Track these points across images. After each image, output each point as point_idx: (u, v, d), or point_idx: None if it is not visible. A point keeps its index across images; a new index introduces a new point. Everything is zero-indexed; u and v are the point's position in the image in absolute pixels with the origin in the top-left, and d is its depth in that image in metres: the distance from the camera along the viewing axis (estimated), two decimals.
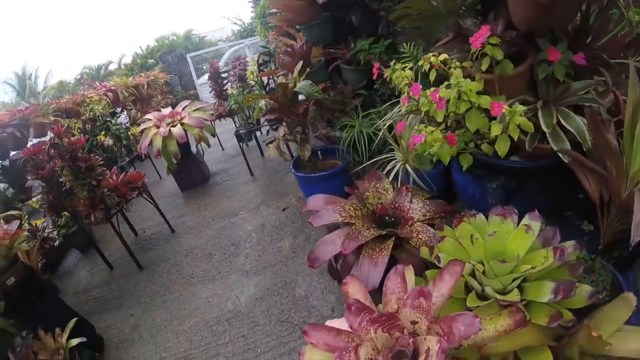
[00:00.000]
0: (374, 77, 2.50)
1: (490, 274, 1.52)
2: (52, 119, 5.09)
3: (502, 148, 1.83)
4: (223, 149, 6.94)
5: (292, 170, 3.57)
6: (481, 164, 2.14)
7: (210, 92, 6.48)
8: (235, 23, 12.19)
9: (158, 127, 4.89)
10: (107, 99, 6.95)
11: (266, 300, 2.88)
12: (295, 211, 3.93)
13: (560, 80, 1.89)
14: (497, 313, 1.42)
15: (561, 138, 1.76)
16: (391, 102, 2.91)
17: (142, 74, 9.84)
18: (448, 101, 1.88)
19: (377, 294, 1.72)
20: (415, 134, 1.98)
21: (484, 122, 1.89)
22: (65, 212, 4.02)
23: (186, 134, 4.82)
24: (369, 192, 2.43)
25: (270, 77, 4.77)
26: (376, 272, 1.90)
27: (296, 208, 3.99)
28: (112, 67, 15.19)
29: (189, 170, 5.46)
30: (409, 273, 1.71)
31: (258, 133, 5.60)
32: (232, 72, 5.89)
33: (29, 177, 3.88)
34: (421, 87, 2.04)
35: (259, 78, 4.70)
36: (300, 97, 3.50)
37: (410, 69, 2.23)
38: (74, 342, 2.53)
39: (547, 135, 1.76)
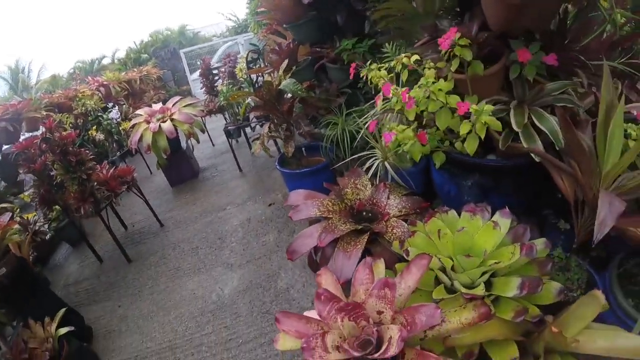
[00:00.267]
0: (351, 77, 2.57)
1: (459, 268, 1.55)
2: (45, 113, 5.15)
3: (471, 146, 1.89)
4: (213, 145, 7.01)
5: (277, 167, 3.65)
6: (457, 163, 2.18)
7: (202, 88, 6.54)
8: (229, 19, 12.26)
9: (148, 122, 4.95)
10: (100, 94, 6.99)
11: (249, 292, 2.97)
12: (280, 207, 4.01)
13: (531, 80, 1.92)
14: (462, 306, 1.46)
15: (533, 137, 1.80)
16: (373, 100, 2.98)
17: (135, 69, 9.84)
18: (420, 100, 1.95)
19: (350, 286, 1.78)
20: (386, 132, 2.06)
21: (455, 121, 1.94)
22: (56, 206, 4.08)
23: (176, 129, 4.89)
24: (348, 188, 2.51)
25: (260, 74, 4.84)
26: (349, 265, 1.97)
27: (282, 204, 4.07)
28: (105, 61, 15.14)
29: (179, 165, 5.53)
30: (380, 265, 1.78)
31: (248, 130, 5.66)
32: (222, 69, 5.95)
33: (21, 171, 3.93)
34: (394, 86, 2.10)
35: (248, 75, 4.76)
36: (288, 95, 3.57)
37: (386, 69, 2.31)
38: (63, 331, 2.60)
39: (520, 134, 1.80)
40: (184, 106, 5.20)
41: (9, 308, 2.88)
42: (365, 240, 2.09)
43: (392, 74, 2.30)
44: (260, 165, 5.38)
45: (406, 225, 2.10)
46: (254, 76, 4.71)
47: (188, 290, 3.23)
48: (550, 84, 1.95)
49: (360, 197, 2.45)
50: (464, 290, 1.52)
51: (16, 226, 3.22)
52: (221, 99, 5.36)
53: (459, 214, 1.82)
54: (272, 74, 3.90)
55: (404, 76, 2.05)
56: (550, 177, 1.74)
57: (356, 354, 1.33)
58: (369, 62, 2.37)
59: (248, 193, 4.64)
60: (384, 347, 1.33)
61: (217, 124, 7.46)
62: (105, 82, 7.55)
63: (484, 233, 1.59)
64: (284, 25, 4.03)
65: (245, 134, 5.65)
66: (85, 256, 4.33)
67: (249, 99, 4.03)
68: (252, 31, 7.42)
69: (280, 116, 3.47)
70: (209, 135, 6.88)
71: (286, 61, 3.52)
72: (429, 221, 1.79)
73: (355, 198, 2.44)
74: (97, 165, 4.08)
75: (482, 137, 1.83)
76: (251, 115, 5.09)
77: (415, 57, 2.04)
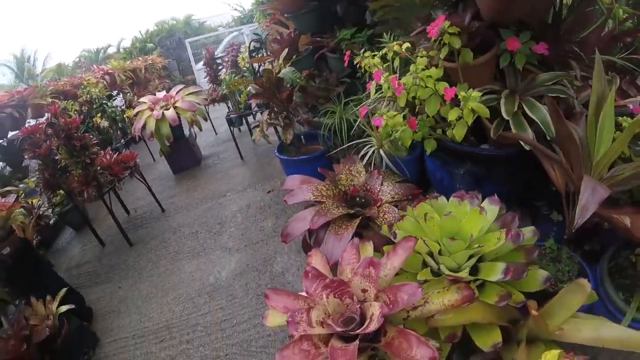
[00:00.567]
0: (345, 64, 2.61)
1: (446, 252, 1.58)
2: (50, 100, 5.21)
3: (460, 132, 1.92)
4: (216, 134, 7.06)
5: (276, 154, 3.71)
6: (449, 151, 2.21)
7: (205, 77, 6.58)
8: (235, 9, 12.25)
9: (152, 110, 5.01)
10: (104, 82, 7.05)
11: (245, 275, 3.04)
12: (279, 194, 4.07)
13: (520, 68, 1.94)
14: (446, 288, 1.50)
15: (523, 126, 1.82)
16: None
17: (140, 58, 9.91)
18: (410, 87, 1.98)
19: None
20: (376, 118, 2.10)
21: (447, 109, 1.97)
22: (60, 190, 4.16)
23: (179, 117, 4.94)
24: (342, 175, 2.55)
25: (262, 63, 4.88)
26: (339, 247, 2.02)
27: (280, 191, 4.13)
28: (111, 50, 15.17)
29: (182, 153, 5.59)
30: (367, 247, 1.83)
31: (250, 119, 5.71)
32: (226, 58, 5.99)
33: (26, 156, 4.01)
34: (385, 73, 2.15)
35: (250, 64, 4.81)
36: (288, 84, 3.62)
37: (380, 57, 2.35)
38: (63, 308, 2.68)
39: (510, 122, 1.82)
40: (188, 94, 5.26)
41: (12, 287, 2.96)
42: (357, 224, 2.13)
43: (388, 63, 2.34)
44: (261, 153, 5.44)
45: (397, 210, 2.14)
46: (256, 65, 4.75)
47: (187, 272, 3.31)
48: (543, 74, 1.97)
49: (355, 183, 2.49)
50: (447, 272, 1.55)
51: (21, 208, 3.29)
52: (223, 87, 5.41)
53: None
54: (272, 63, 3.94)
55: (396, 63, 2.09)
56: (542, 167, 1.76)
57: (338, 329, 1.38)
58: (362, 50, 2.41)
59: (248, 180, 4.71)
60: (366, 324, 1.38)
61: (220, 113, 7.50)
62: (110, 71, 7.61)
63: (471, 218, 1.61)
64: (286, 15, 4.07)
65: (247, 123, 5.70)
66: (88, 240, 4.41)
67: (250, 87, 4.07)
68: (257, 21, 7.43)
69: (279, 104, 3.53)
70: (212, 124, 6.95)
71: (286, 50, 3.57)
72: (418, 205, 1.80)
73: (350, 184, 2.49)
74: (101, 151, 4.15)
75: (469, 122, 1.85)
76: (253, 104, 5.14)
77: (407, 45, 2.07)
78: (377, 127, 2.10)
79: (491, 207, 1.69)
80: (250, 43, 5.03)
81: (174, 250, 3.72)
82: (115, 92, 7.68)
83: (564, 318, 1.42)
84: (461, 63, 1.96)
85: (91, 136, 3.96)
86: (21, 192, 4.62)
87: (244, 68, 5.13)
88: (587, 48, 2.01)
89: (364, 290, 1.52)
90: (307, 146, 3.81)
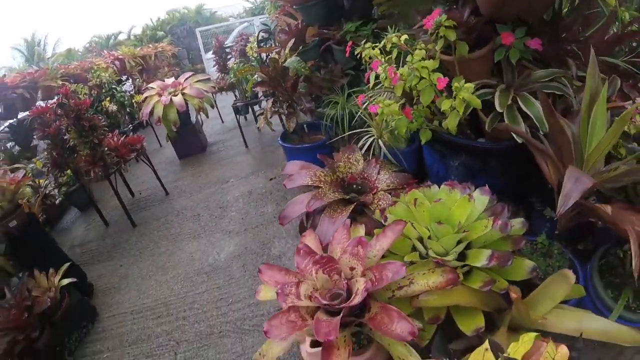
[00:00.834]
0: (347, 55, 2.67)
1: (434, 237, 1.63)
2: (60, 82, 5.29)
3: (452, 123, 1.98)
4: (223, 122, 7.13)
5: (280, 141, 3.78)
6: (445, 142, 2.26)
7: (214, 66, 6.65)
8: (247, 0, 12.30)
9: (160, 95, 5.07)
10: (114, 67, 7.13)
11: (243, 257, 3.12)
12: (281, 181, 4.11)
13: (514, 63, 1.97)
14: (431, 270, 1.56)
15: (517, 119, 1.86)
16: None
17: (150, 45, 9.98)
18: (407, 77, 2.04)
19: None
20: (372, 105, 2.16)
21: (441, 99, 2.01)
22: (68, 170, 4.24)
23: (186, 103, 5.02)
24: (341, 162, 2.62)
25: (269, 53, 4.94)
26: (332, 229, 2.08)
27: (282, 178, 4.17)
28: (121, 37, 15.31)
29: (188, 139, 5.66)
30: (359, 229, 1.91)
31: (257, 108, 5.77)
32: (235, 48, 6.06)
33: (36, 135, 4.10)
34: (384, 64, 2.21)
35: (258, 54, 4.87)
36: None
37: (379, 48, 2.40)
38: (65, 281, 2.77)
39: (504, 115, 1.87)
40: (196, 82, 5.32)
41: (17, 260, 3.04)
42: (351, 209, 2.20)
43: (390, 56, 2.40)
44: (265, 142, 5.51)
45: (392, 198, 2.21)
46: (263, 55, 4.81)
47: (187, 253, 3.39)
48: (539, 71, 2.01)
49: (352, 170, 2.56)
50: (433, 255, 1.61)
51: (29, 183, 3.38)
52: (231, 75, 5.48)
53: None
54: (279, 53, 4.01)
55: (394, 54, 2.15)
56: (535, 162, 1.81)
57: (325, 302, 1.46)
58: (363, 42, 2.46)
59: (252, 167, 4.78)
60: (351, 298, 1.45)
61: (227, 102, 7.53)
62: (120, 57, 7.69)
63: (460, 205, 1.65)
64: (294, 7, 4.12)
65: (254, 111, 5.77)
66: (93, 220, 4.51)
67: (256, 75, 4.15)
68: (267, 13, 7.48)
69: (284, 93, 3.59)
70: (219, 113, 7.01)
71: (292, 40, 3.63)
72: (409, 192, 1.85)
73: (347, 171, 2.55)
74: (109, 133, 4.24)
75: (461, 112, 1.90)
76: (259, 93, 5.20)
77: (405, 37, 2.13)
78: (375, 114, 2.16)
79: (481, 197, 1.74)
80: (258, 33, 5.09)
81: (175, 231, 3.80)
82: (124, 78, 7.76)
83: (548, 308, 1.47)
84: (457, 56, 2.01)
85: (100, 117, 4.05)
86: (29, 171, 4.71)
87: (252, 57, 5.19)
88: (589, 49, 2.01)
89: (352, 268, 1.59)
90: (309, 135, 3.89)
